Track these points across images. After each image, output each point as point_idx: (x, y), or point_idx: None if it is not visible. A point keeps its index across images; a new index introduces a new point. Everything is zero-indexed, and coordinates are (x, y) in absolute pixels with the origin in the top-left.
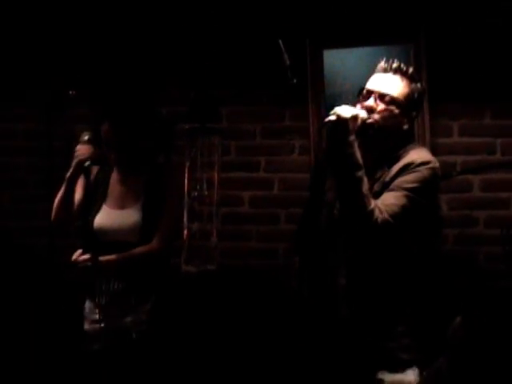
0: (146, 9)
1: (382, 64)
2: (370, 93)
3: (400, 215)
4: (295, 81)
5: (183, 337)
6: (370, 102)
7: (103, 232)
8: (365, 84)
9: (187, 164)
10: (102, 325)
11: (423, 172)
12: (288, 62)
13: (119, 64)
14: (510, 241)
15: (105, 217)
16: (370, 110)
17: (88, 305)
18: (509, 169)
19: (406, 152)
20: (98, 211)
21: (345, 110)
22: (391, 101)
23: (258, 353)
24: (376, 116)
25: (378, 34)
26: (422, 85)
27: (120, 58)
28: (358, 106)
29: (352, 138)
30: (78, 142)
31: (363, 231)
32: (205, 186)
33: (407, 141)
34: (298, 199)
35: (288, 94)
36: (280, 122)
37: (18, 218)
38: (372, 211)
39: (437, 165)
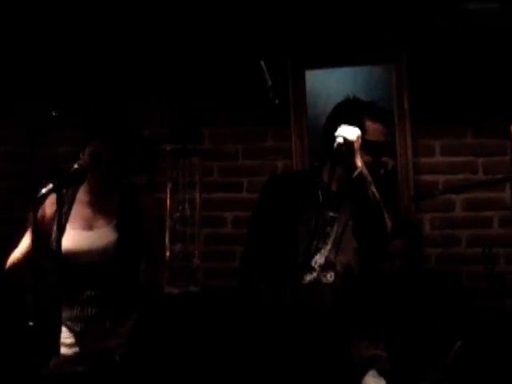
0: (128, 32)
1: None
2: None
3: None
4: (277, 101)
5: (166, 358)
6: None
7: (72, 255)
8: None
9: (169, 185)
10: (77, 349)
11: None
12: (270, 83)
13: (100, 86)
14: (491, 260)
15: (71, 239)
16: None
17: (64, 329)
18: (491, 188)
19: None
20: (62, 233)
21: (349, 132)
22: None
23: (239, 372)
24: None
25: (360, 54)
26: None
27: (102, 80)
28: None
29: (358, 157)
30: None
31: (380, 240)
32: (187, 206)
33: None
34: None
35: (270, 114)
36: (262, 143)
37: (0, 240)
38: (386, 220)
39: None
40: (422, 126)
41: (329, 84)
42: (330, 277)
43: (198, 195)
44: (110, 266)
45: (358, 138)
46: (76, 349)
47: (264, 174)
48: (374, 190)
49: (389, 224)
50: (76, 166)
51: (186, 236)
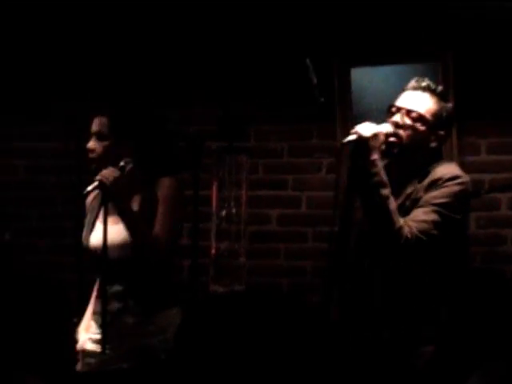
0: (175, 29)
1: (413, 82)
2: (398, 109)
3: (430, 231)
4: (322, 99)
5: (210, 356)
6: (397, 117)
7: (96, 250)
8: (394, 101)
9: (215, 183)
10: (107, 346)
11: (452, 187)
12: (315, 81)
13: (146, 83)
14: None
15: (98, 234)
16: (396, 126)
17: (92, 324)
18: None
19: (436, 167)
20: (92, 229)
21: (365, 129)
22: (418, 118)
23: (284, 372)
24: (401, 132)
25: (406, 52)
26: (451, 104)
27: (147, 75)
28: (368, 123)
29: (375, 156)
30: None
31: (393, 249)
32: (233, 204)
33: (436, 158)
34: (325, 217)
35: (315, 112)
36: (307, 140)
37: (46, 235)
38: (401, 228)
39: (467, 179)
40: (468, 125)
41: (374, 81)
42: None
43: (244, 193)
44: (129, 262)
45: (374, 135)
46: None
47: (309, 171)
48: (384, 193)
49: (406, 235)
50: (122, 163)
51: (231, 234)
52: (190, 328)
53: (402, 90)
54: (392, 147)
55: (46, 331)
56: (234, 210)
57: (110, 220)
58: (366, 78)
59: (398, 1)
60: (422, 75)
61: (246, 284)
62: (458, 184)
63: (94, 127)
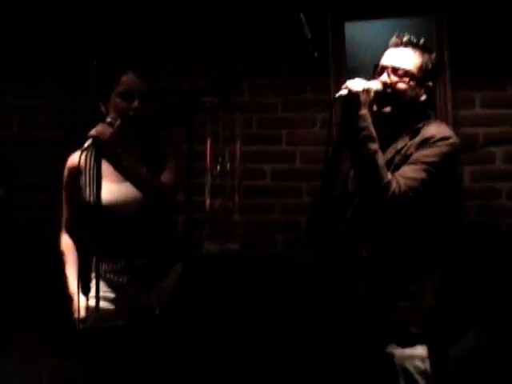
0: None
1: (394, 39)
2: (383, 68)
3: (418, 188)
4: (316, 54)
5: (205, 314)
6: (384, 76)
7: (112, 207)
8: (379, 61)
9: (209, 139)
10: (118, 304)
11: (442, 147)
12: (309, 35)
13: (138, 38)
14: None
15: (108, 192)
16: (385, 85)
17: (102, 284)
18: None
19: (427, 126)
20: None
21: (356, 84)
22: (404, 73)
23: (278, 331)
24: (390, 90)
25: (400, 5)
26: (435, 54)
27: (140, 32)
28: (359, 79)
29: (364, 111)
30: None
31: (380, 203)
32: (227, 160)
33: (427, 112)
34: (319, 172)
35: (309, 66)
36: (301, 95)
37: (40, 191)
38: (389, 183)
39: (457, 140)
40: (462, 78)
41: (368, 36)
42: None
43: (238, 149)
44: (147, 216)
45: (365, 90)
46: (117, 303)
47: (303, 126)
48: (372, 147)
49: (393, 190)
50: (108, 119)
51: (225, 190)
52: (186, 285)
53: (385, 48)
54: (383, 106)
55: (41, 288)
56: (228, 166)
57: (119, 177)
58: (359, 33)
59: None
60: (416, 29)
61: (241, 241)
62: (449, 145)
63: (139, 85)
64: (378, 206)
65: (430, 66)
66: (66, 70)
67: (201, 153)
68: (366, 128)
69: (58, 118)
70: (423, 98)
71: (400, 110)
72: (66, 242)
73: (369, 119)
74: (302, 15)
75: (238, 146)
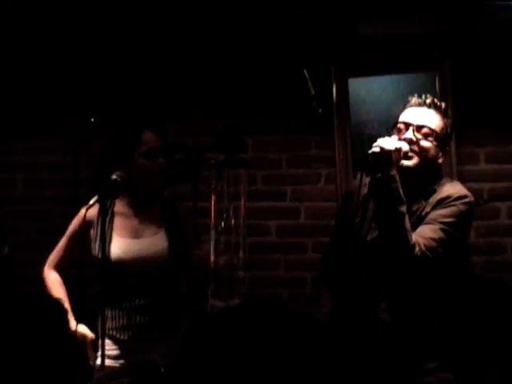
0: (172, 39)
1: (416, 99)
2: (407, 125)
3: (437, 249)
4: (321, 110)
5: (212, 370)
6: (409, 134)
7: (123, 263)
8: (396, 118)
9: (213, 196)
10: (123, 361)
11: (459, 206)
12: (313, 92)
13: (144, 96)
14: None
15: (121, 247)
16: (410, 142)
17: (108, 341)
18: None
19: (442, 185)
20: (109, 242)
21: (388, 142)
22: (429, 133)
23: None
24: (415, 148)
25: (403, 61)
26: (451, 119)
27: (145, 89)
28: (395, 138)
29: (394, 171)
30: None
31: (403, 264)
32: (232, 216)
33: (440, 174)
34: (324, 228)
35: (313, 122)
36: (306, 151)
37: (44, 249)
38: (413, 246)
39: (472, 199)
40: (467, 134)
41: (372, 92)
42: None
43: (242, 205)
44: (161, 274)
45: (397, 150)
46: (121, 360)
47: (307, 182)
48: (401, 209)
49: (417, 252)
50: (114, 176)
51: (230, 246)
52: (192, 342)
53: (404, 106)
54: (407, 159)
55: (45, 345)
56: (232, 222)
57: (139, 233)
58: (363, 89)
59: (394, 12)
60: (420, 85)
61: (246, 297)
62: (465, 204)
63: (159, 142)
64: (401, 265)
65: (448, 130)
66: (70, 127)
67: (206, 209)
68: (396, 189)
69: (63, 175)
70: (440, 160)
71: (422, 167)
72: (56, 278)
73: (398, 180)
74: (305, 72)
75: (242, 202)
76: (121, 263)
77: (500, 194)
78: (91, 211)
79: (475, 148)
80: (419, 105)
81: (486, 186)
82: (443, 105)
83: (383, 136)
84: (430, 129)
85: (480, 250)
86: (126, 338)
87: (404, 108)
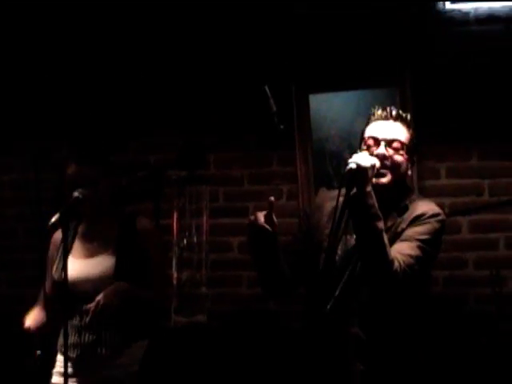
0: (134, 56)
1: (380, 112)
2: (376, 140)
3: (414, 266)
4: (282, 126)
5: None
6: (382, 149)
7: (71, 283)
8: (361, 132)
9: (175, 213)
10: (76, 379)
11: (434, 224)
12: (274, 108)
13: (107, 111)
14: (499, 282)
15: (71, 268)
16: (383, 158)
17: (59, 358)
18: (497, 210)
19: (413, 201)
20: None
21: (364, 159)
22: (400, 147)
23: None
24: (388, 163)
25: (363, 77)
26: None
27: (106, 106)
28: (366, 153)
29: (369, 188)
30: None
31: (383, 280)
32: (194, 233)
33: (409, 188)
34: (286, 244)
35: (275, 139)
36: (268, 168)
37: (7, 268)
38: (392, 262)
39: (444, 217)
40: (427, 149)
41: (333, 108)
42: None
43: (205, 222)
44: (125, 302)
45: (372, 166)
46: (74, 378)
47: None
48: (379, 225)
49: (396, 268)
50: (76, 194)
51: (192, 263)
52: (154, 359)
53: (368, 119)
54: (379, 177)
55: (8, 365)
56: (195, 239)
57: (90, 253)
58: (324, 105)
59: (354, 27)
60: (380, 100)
61: (209, 313)
62: (439, 221)
63: (82, 174)
64: (379, 282)
65: (414, 140)
66: (31, 145)
67: (168, 226)
68: (373, 205)
69: (24, 194)
70: (409, 172)
71: (395, 184)
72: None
73: (374, 197)
74: (266, 88)
75: (204, 218)
76: (72, 283)
77: (461, 208)
78: (58, 231)
79: (436, 163)
80: (385, 118)
81: (447, 200)
82: (408, 116)
83: (345, 152)
84: (401, 142)
85: (442, 264)
86: (74, 355)
87: (368, 122)
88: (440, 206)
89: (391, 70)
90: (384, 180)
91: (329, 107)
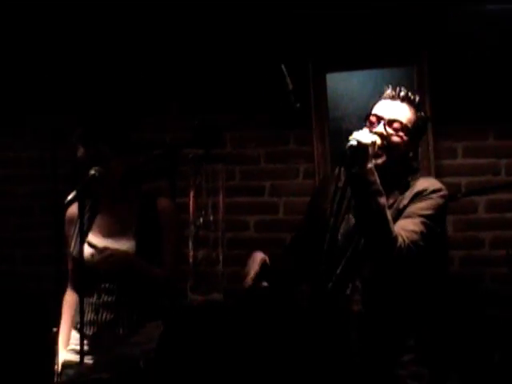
0: (148, 34)
1: (390, 91)
2: (378, 118)
3: (419, 242)
4: (298, 105)
5: (191, 365)
6: (380, 128)
7: (91, 261)
8: (370, 109)
9: (192, 192)
10: (92, 356)
11: (436, 199)
12: (291, 86)
13: (121, 90)
14: None
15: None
16: (380, 136)
17: (74, 335)
18: None
19: (416, 179)
20: (83, 242)
21: (364, 136)
22: (400, 127)
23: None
24: (385, 143)
25: (381, 56)
26: (425, 113)
27: (123, 84)
28: (366, 130)
29: (371, 164)
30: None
31: (387, 257)
32: (210, 211)
33: (414, 167)
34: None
35: (292, 117)
36: (284, 146)
37: (23, 245)
38: (396, 237)
39: (447, 192)
40: (444, 129)
41: (350, 86)
42: None
43: (221, 200)
44: (127, 272)
45: (373, 143)
46: (90, 356)
47: (286, 177)
48: (381, 201)
49: (400, 244)
50: (92, 171)
51: (209, 242)
52: (171, 337)
53: (379, 97)
54: (376, 157)
55: (25, 342)
56: (211, 218)
57: (111, 232)
58: (341, 83)
59: (372, 5)
60: (398, 79)
61: (224, 292)
62: (441, 196)
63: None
64: (384, 259)
65: (421, 124)
66: (49, 123)
67: (184, 205)
68: (375, 182)
69: (41, 171)
70: (411, 154)
71: (391, 164)
72: (66, 299)
73: (375, 173)
74: (283, 66)
75: (221, 197)
76: (93, 261)
77: (477, 187)
78: (74, 208)
79: (453, 142)
80: (393, 97)
81: (464, 180)
82: (417, 98)
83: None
84: (401, 123)
85: (458, 244)
86: (91, 333)
87: (378, 99)
88: (457, 185)
89: (409, 49)
90: (379, 161)
91: (346, 86)
